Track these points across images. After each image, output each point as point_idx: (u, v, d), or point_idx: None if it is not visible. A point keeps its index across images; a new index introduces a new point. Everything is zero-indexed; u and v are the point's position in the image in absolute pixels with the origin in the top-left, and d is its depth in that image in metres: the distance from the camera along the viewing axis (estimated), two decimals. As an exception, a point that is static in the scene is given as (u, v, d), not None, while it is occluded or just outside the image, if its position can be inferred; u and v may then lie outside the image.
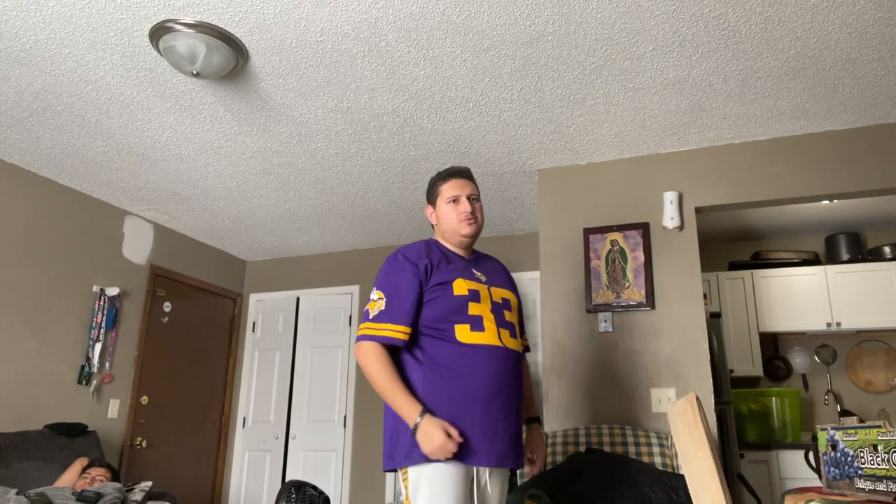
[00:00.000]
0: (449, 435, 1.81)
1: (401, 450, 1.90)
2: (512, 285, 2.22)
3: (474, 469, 1.92)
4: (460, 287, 2.01)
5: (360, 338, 1.96)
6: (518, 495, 2.62)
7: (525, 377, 2.27)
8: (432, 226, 2.23)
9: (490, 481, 1.96)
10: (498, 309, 2.05)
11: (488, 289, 2.07)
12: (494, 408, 1.93)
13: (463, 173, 2.16)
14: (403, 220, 4.88)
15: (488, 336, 1.98)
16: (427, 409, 1.86)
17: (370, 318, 1.98)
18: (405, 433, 1.89)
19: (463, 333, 1.96)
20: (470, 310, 1.99)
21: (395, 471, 1.95)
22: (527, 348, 2.29)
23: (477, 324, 1.98)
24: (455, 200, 2.12)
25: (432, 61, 2.81)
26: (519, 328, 2.16)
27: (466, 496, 1.87)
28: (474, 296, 2.01)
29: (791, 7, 2.44)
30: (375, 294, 2.02)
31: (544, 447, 2.27)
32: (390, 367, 1.92)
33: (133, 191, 4.36)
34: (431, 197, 2.20)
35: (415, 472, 1.88)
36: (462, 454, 1.86)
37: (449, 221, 2.12)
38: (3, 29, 2.62)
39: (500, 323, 2.03)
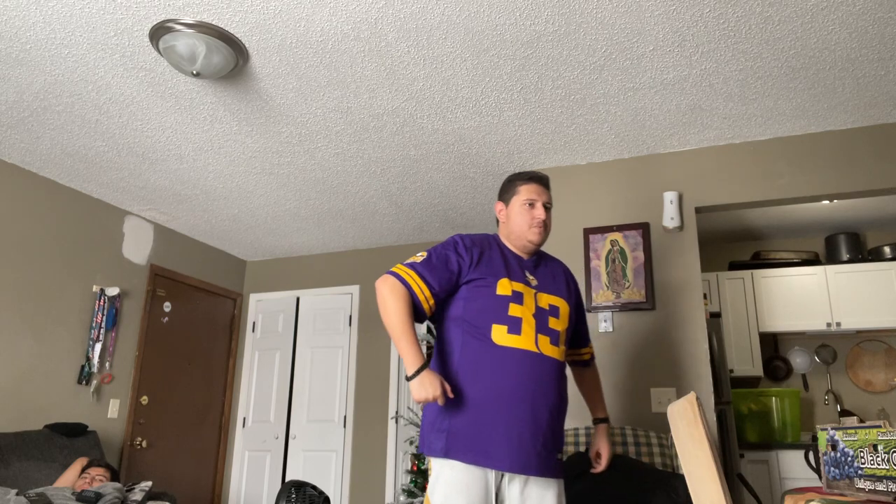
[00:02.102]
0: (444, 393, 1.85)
1: (428, 438, 1.93)
2: (569, 293, 2.17)
3: (494, 475, 1.88)
4: (504, 287, 1.99)
5: (389, 272, 1.96)
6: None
7: (592, 380, 2.36)
8: (497, 221, 2.23)
9: (524, 492, 1.90)
10: (542, 314, 2.01)
11: (535, 294, 2.05)
12: (521, 413, 1.89)
13: (544, 180, 2.17)
14: (403, 220, 4.88)
15: (524, 340, 1.95)
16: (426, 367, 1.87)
17: (406, 263, 1.99)
18: (436, 423, 1.90)
19: (499, 335, 1.94)
20: (510, 311, 1.97)
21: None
22: (592, 357, 2.35)
23: (515, 326, 1.96)
24: (531, 204, 2.10)
25: (432, 61, 2.81)
26: (566, 336, 2.10)
27: (483, 501, 1.84)
28: (517, 297, 1.99)
29: (791, 7, 2.44)
30: (421, 253, 2.03)
31: (610, 446, 2.28)
32: (409, 311, 1.91)
33: (133, 191, 4.36)
34: (506, 195, 2.17)
35: (437, 465, 1.89)
36: (478, 456, 1.84)
37: (519, 224, 2.10)
38: (3, 29, 2.62)
39: (541, 329, 1.99)
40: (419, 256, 2.00)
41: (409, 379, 1.85)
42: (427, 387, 1.81)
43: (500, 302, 1.97)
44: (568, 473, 2.81)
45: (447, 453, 1.85)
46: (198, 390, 5.31)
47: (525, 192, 2.12)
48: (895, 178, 3.26)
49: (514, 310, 1.97)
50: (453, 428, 1.88)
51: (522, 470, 1.87)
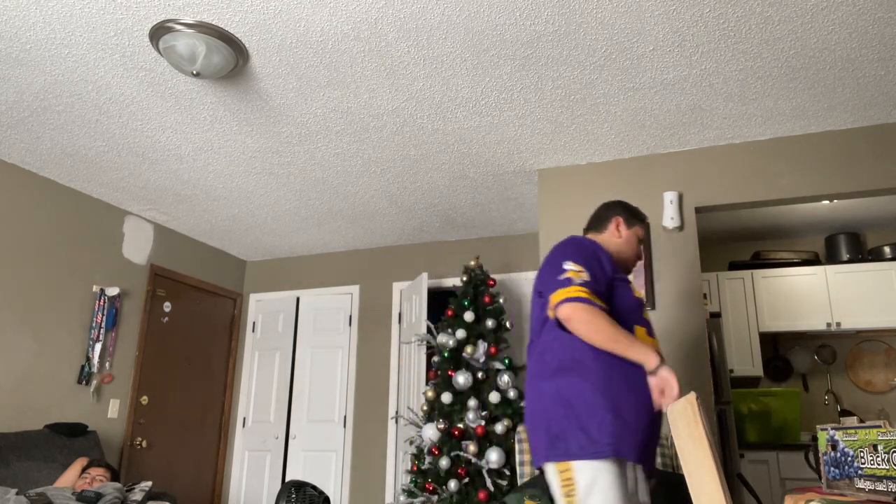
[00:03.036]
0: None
1: (579, 440, 1.79)
2: None
3: (637, 476, 1.91)
4: (636, 290, 2.08)
5: (575, 300, 1.84)
6: (518, 495, 2.62)
7: None
8: (602, 228, 2.25)
9: (641, 489, 1.93)
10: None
11: None
12: (657, 416, 1.91)
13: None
14: (403, 220, 4.88)
15: (656, 344, 2.07)
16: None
17: (577, 282, 1.89)
18: (590, 422, 1.79)
19: (641, 335, 1.98)
20: (644, 314, 2.05)
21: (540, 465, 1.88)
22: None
23: (651, 330, 2.05)
24: (641, 242, 2.29)
25: (432, 61, 2.81)
26: None
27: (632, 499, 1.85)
28: (643, 303, 2.11)
29: (791, 7, 2.44)
30: (572, 265, 1.93)
31: None
32: (613, 320, 1.88)
33: (133, 191, 4.36)
34: (631, 219, 2.26)
35: (590, 469, 1.76)
36: (641, 455, 1.84)
37: (630, 251, 2.23)
38: (3, 29, 2.62)
39: (651, 332, 2.10)
40: (578, 272, 1.92)
41: (655, 371, 1.81)
42: (671, 382, 1.79)
43: (638, 303, 2.04)
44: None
45: (618, 451, 1.77)
46: (198, 390, 5.31)
47: (641, 231, 2.28)
48: (895, 178, 3.26)
49: (645, 314, 2.06)
50: (624, 426, 1.81)
51: (652, 470, 1.96)
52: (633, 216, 2.27)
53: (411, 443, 3.95)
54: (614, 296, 1.99)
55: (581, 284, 1.88)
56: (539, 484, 2.76)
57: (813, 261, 4.74)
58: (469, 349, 3.82)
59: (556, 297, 1.89)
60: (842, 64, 2.81)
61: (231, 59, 2.72)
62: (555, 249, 2.05)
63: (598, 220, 2.28)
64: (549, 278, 1.96)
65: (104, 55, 2.80)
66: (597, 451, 1.77)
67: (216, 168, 3.97)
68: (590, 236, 2.28)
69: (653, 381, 1.82)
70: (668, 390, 1.79)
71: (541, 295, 2.02)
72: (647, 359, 1.82)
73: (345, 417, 5.24)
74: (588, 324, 1.83)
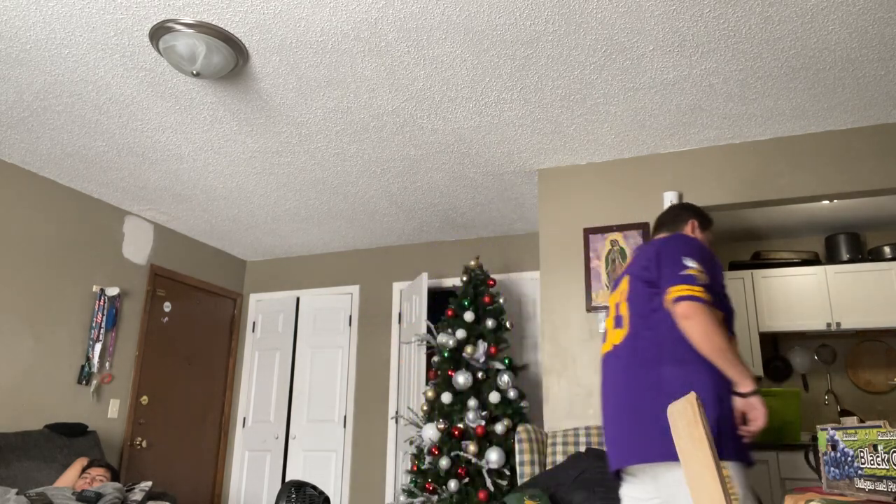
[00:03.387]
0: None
1: (734, 442, 1.82)
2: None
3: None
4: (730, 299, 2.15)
5: (697, 299, 1.84)
6: (518, 495, 2.62)
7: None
8: (677, 229, 2.26)
9: None
10: None
11: None
12: None
13: None
14: (403, 220, 4.88)
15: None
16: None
17: (699, 283, 1.88)
18: (731, 425, 1.82)
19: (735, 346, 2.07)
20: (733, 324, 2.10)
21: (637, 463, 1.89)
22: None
23: (736, 340, 2.14)
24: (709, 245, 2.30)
25: (432, 61, 2.81)
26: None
27: None
28: (734, 313, 2.18)
29: (791, 7, 2.44)
30: (694, 263, 1.93)
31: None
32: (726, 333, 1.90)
33: (133, 191, 4.36)
34: (704, 223, 2.28)
35: (733, 470, 1.80)
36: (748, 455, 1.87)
37: None
38: (3, 29, 2.62)
39: None
40: (699, 274, 1.91)
41: (747, 395, 1.83)
42: (761, 407, 1.82)
43: (732, 313, 2.05)
44: (568, 474, 2.81)
45: (739, 456, 1.82)
46: (198, 390, 5.31)
47: (711, 235, 2.31)
48: (895, 178, 3.26)
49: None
50: (737, 432, 1.85)
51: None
52: (706, 221, 2.29)
53: (411, 443, 3.94)
54: (714, 302, 2.00)
55: (703, 286, 1.88)
56: (540, 484, 2.76)
57: (813, 261, 4.74)
58: (469, 349, 3.82)
59: (677, 290, 1.87)
60: (842, 64, 2.81)
61: (231, 59, 2.72)
62: (673, 243, 2.01)
63: (673, 220, 2.28)
64: (668, 270, 1.94)
65: (104, 55, 2.80)
66: (742, 455, 1.83)
67: (216, 168, 3.97)
68: (663, 236, 2.26)
69: (740, 403, 1.83)
70: (754, 416, 1.82)
71: (650, 284, 1.99)
72: (746, 381, 1.83)
73: (345, 417, 5.24)
74: (704, 327, 1.82)
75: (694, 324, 1.82)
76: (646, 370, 1.90)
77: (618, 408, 1.96)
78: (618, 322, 2.07)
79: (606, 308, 2.29)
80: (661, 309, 1.94)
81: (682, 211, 2.29)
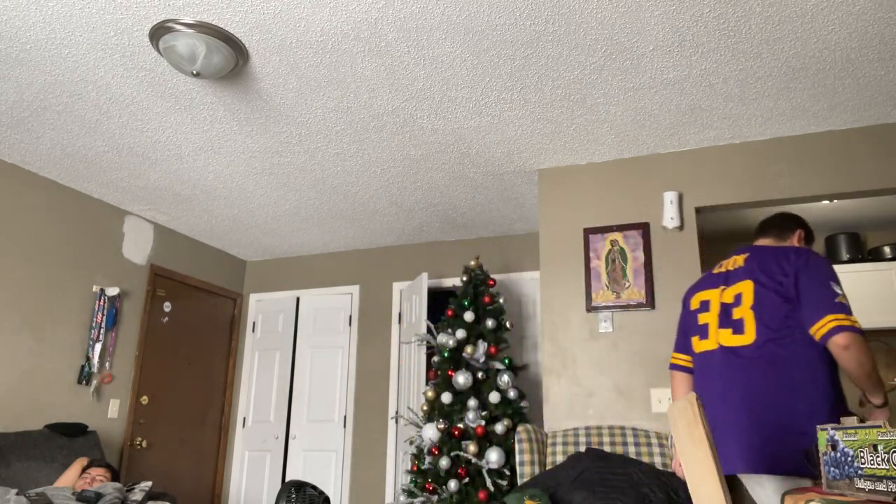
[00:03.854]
0: None
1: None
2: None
3: None
4: None
5: (856, 331, 1.94)
6: (518, 495, 2.62)
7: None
8: (784, 238, 2.29)
9: None
10: None
11: None
12: None
13: None
14: (403, 220, 4.88)
15: None
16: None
17: (849, 310, 1.98)
18: None
19: None
20: None
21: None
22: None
23: None
24: None
25: (432, 61, 2.81)
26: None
27: None
28: None
29: (791, 7, 2.44)
30: (840, 290, 2.01)
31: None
32: None
33: (133, 191, 4.36)
34: (808, 240, 2.33)
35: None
36: None
37: None
38: (3, 29, 2.62)
39: None
40: (845, 297, 2.01)
41: (879, 407, 2.02)
42: None
43: None
44: (568, 474, 2.81)
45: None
46: (198, 390, 5.31)
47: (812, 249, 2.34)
48: (895, 178, 3.26)
49: None
50: None
51: None
52: (811, 235, 2.32)
53: (411, 443, 3.95)
54: None
55: (852, 314, 1.98)
56: (540, 484, 2.76)
57: (813, 261, 4.73)
58: (469, 349, 3.82)
59: (835, 320, 1.95)
60: (842, 64, 2.81)
61: (231, 59, 2.72)
62: (815, 265, 2.05)
63: (780, 228, 2.30)
64: (818, 294, 2.00)
65: (104, 55, 2.80)
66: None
67: (216, 168, 3.97)
68: (766, 243, 2.29)
69: (866, 412, 2.02)
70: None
71: (786, 299, 2.04)
72: (880, 396, 2.01)
73: (345, 417, 5.24)
74: (860, 357, 1.93)
75: (852, 353, 1.93)
76: (785, 384, 2.01)
77: (750, 412, 2.04)
78: (734, 325, 2.12)
79: (690, 301, 2.31)
80: (795, 326, 2.04)
81: (788, 220, 2.32)
